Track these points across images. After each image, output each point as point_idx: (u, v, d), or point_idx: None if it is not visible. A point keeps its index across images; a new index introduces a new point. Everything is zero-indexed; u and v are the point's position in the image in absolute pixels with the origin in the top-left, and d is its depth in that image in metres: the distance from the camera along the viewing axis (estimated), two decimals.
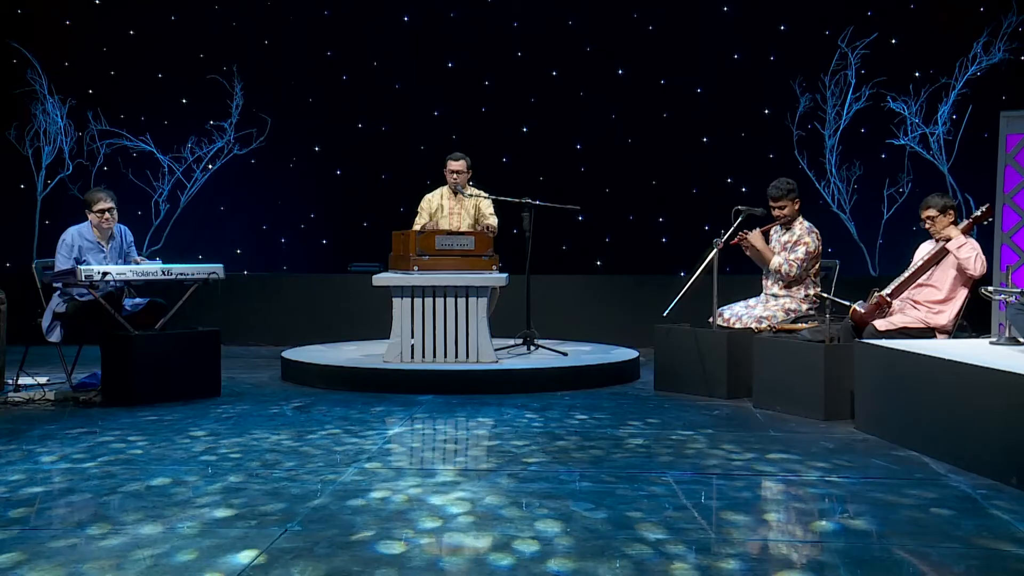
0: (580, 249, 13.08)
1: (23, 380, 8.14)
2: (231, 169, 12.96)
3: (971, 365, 5.54)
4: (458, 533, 4.30)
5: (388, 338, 8.82)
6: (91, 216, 8.05)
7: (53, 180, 12.57)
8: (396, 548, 4.10)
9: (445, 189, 9.63)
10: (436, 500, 4.84)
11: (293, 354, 9.26)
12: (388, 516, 4.56)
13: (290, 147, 13.18)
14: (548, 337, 9.84)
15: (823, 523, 4.49)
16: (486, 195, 9.55)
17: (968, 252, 7.11)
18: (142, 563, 3.89)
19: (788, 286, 8.20)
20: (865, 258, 12.28)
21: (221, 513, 4.58)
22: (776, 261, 8.20)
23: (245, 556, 3.97)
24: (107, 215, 8.06)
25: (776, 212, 8.29)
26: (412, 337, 8.66)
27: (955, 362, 5.67)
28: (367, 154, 13.34)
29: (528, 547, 4.10)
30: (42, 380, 8.13)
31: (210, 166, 12.87)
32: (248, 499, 4.84)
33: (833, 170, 12.41)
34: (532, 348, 9.36)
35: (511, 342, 9.45)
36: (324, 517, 4.54)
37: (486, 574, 3.81)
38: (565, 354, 9.10)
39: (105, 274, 7.47)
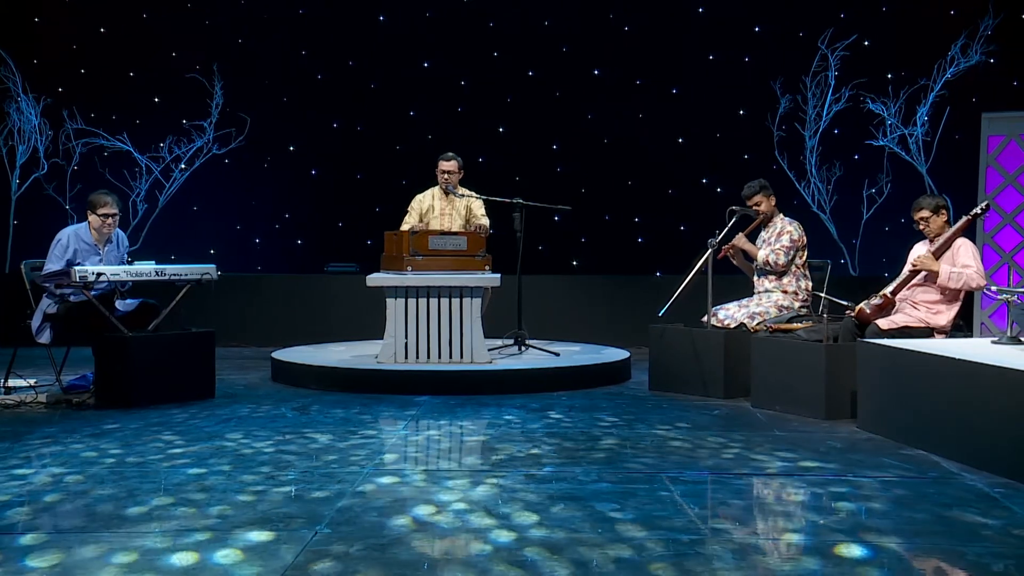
0: (556, 249, 13.07)
1: (13, 382, 8.02)
2: (207, 169, 12.84)
3: (982, 364, 5.59)
4: (492, 534, 4.28)
5: (373, 338, 8.79)
6: (93, 218, 7.93)
7: (27, 180, 12.39)
8: (433, 550, 4.08)
9: (436, 190, 9.59)
10: (460, 503, 4.81)
11: (284, 355, 9.19)
12: (416, 518, 4.54)
13: (265, 147, 13.07)
14: (531, 337, 9.81)
15: (854, 523, 4.50)
16: (477, 196, 9.53)
17: (966, 259, 7.17)
18: (182, 565, 3.85)
19: (779, 278, 8.28)
20: (845, 258, 12.37)
21: (247, 516, 4.53)
22: (762, 254, 8.31)
23: (283, 558, 3.94)
24: (110, 220, 7.95)
25: (755, 210, 8.42)
26: (405, 337, 8.62)
27: (965, 361, 5.72)
28: (342, 154, 13.28)
29: (566, 547, 4.09)
30: (30, 382, 8.03)
31: (184, 166, 12.74)
32: (270, 502, 4.79)
33: (813, 171, 12.50)
34: (523, 348, 9.34)
35: (500, 343, 9.42)
36: (351, 519, 4.51)
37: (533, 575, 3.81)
38: (557, 354, 9.09)
39: (100, 275, 7.37)
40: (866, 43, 12.50)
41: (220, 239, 13.13)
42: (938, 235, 7.38)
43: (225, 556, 3.98)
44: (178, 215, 12.88)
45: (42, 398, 7.69)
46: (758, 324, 8.06)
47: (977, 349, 6.19)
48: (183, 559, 3.94)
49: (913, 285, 7.35)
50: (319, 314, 11.73)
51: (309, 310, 11.81)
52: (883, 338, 6.96)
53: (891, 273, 10.90)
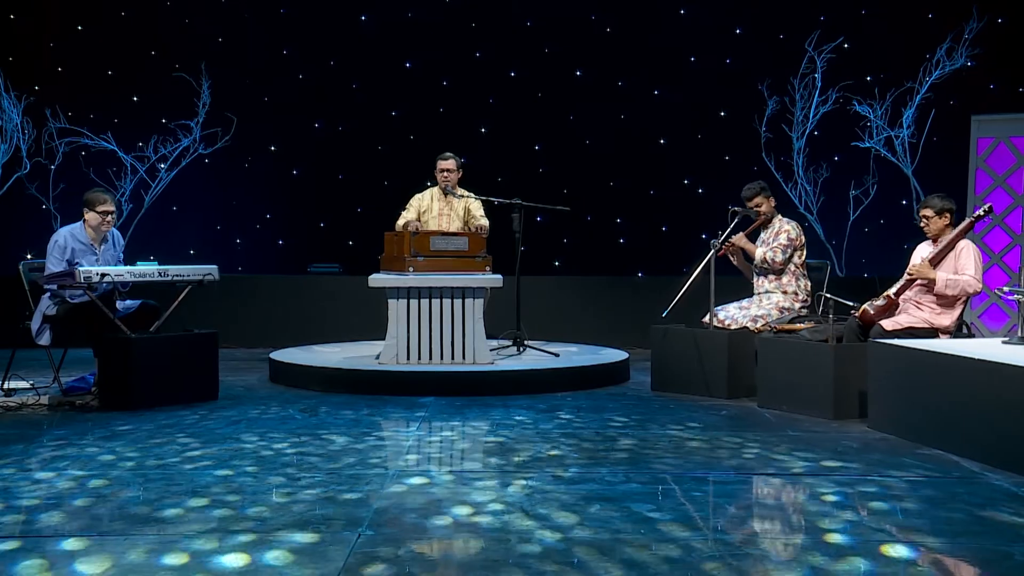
0: (538, 250, 13.04)
1: (14, 384, 7.92)
2: (189, 169, 12.72)
3: (1001, 364, 5.63)
4: (537, 535, 4.26)
5: (362, 339, 8.75)
6: (91, 216, 7.82)
7: (9, 179, 12.20)
8: (480, 551, 4.07)
9: (436, 190, 9.57)
10: (496, 504, 4.79)
11: (284, 356, 9.14)
12: (456, 519, 4.52)
13: (246, 147, 12.96)
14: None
15: (892, 523, 4.52)
16: (476, 196, 9.52)
17: (967, 262, 7.23)
18: (234, 568, 3.81)
19: (779, 277, 8.32)
20: (832, 259, 12.45)
21: (285, 518, 4.49)
22: (759, 252, 8.38)
23: (334, 560, 3.90)
24: (109, 217, 7.87)
25: (756, 211, 8.47)
26: (407, 337, 8.59)
27: (983, 361, 5.76)
28: (324, 154, 13.23)
29: (614, 547, 4.08)
30: (30, 384, 7.94)
31: (162, 165, 12.61)
32: (304, 504, 4.75)
33: (800, 172, 12.58)
34: (522, 349, 9.33)
35: (496, 343, 9.39)
36: (391, 521, 4.49)
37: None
38: (556, 355, 9.09)
39: (103, 275, 7.29)
40: (846, 46, 12.60)
41: (201, 239, 13.04)
42: (939, 236, 7.44)
43: (275, 558, 3.94)
44: (159, 215, 12.76)
45: (43, 400, 7.60)
46: (761, 326, 8.10)
47: (989, 349, 6.24)
48: (233, 561, 3.90)
49: (916, 286, 7.40)
50: (305, 315, 11.64)
51: (295, 311, 11.72)
52: (888, 338, 7.01)
53: (877, 274, 11.01)
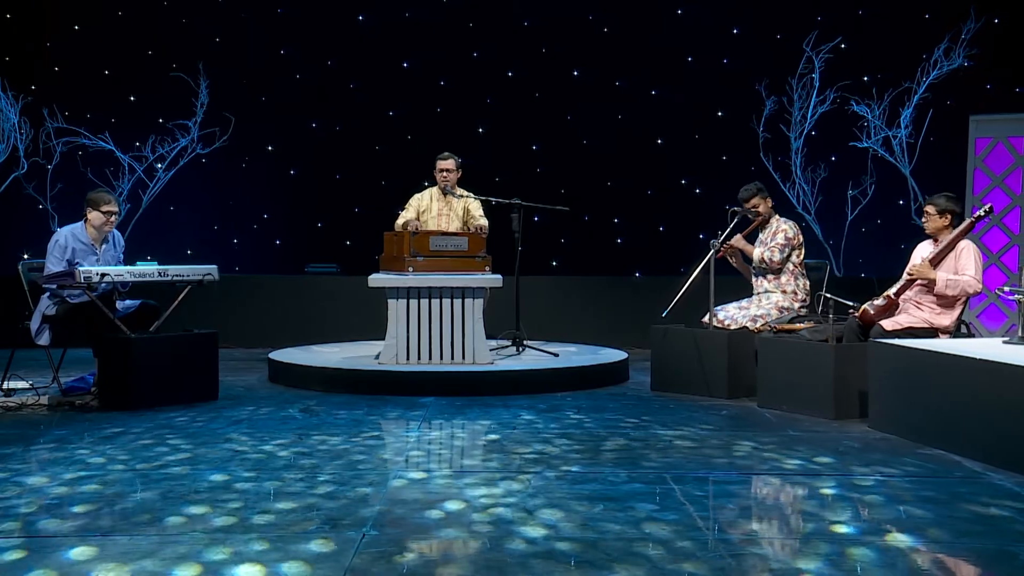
0: (535, 250, 13.01)
1: (13, 384, 7.90)
2: (187, 169, 12.71)
3: (1002, 364, 5.63)
4: (542, 535, 4.26)
5: (360, 339, 8.76)
6: (94, 215, 7.81)
7: (7, 179, 12.18)
8: (485, 551, 4.06)
9: (435, 190, 9.58)
10: (499, 504, 4.79)
11: (283, 356, 9.14)
12: (459, 520, 4.51)
13: (244, 147, 12.95)
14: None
15: (896, 522, 4.52)
16: (475, 196, 9.52)
17: (967, 263, 7.25)
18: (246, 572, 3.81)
19: (777, 277, 8.34)
20: (830, 259, 12.46)
21: (290, 519, 4.49)
22: (757, 252, 8.42)
23: (340, 561, 3.90)
24: (113, 218, 7.87)
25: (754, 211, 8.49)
26: (407, 338, 8.60)
27: (985, 361, 5.76)
28: (321, 154, 13.23)
29: (619, 547, 4.08)
30: (29, 383, 7.93)
31: (160, 165, 12.60)
32: (308, 504, 4.74)
33: (798, 172, 12.59)
34: (521, 349, 9.34)
35: (495, 343, 9.39)
36: (395, 521, 4.48)
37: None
38: (556, 355, 9.10)
39: (104, 275, 7.28)
40: (844, 46, 12.59)
41: (198, 239, 13.03)
42: (937, 234, 7.45)
43: (279, 560, 3.93)
44: (157, 215, 12.75)
45: (43, 400, 7.59)
46: (761, 326, 8.11)
47: (989, 349, 6.25)
48: (239, 566, 3.89)
49: (916, 286, 7.41)
50: (304, 315, 11.64)
51: (294, 311, 11.71)
52: (888, 338, 7.01)
53: (875, 275, 11.02)
